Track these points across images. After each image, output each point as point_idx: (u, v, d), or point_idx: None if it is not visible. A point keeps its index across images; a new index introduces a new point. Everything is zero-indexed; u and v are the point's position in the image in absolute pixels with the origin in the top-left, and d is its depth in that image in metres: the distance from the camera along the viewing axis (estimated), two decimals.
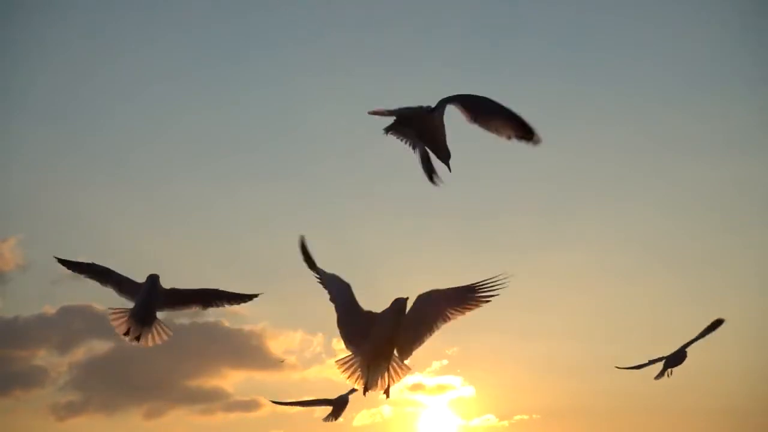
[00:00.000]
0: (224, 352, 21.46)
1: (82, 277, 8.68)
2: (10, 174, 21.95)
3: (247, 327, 21.95)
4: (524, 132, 6.44)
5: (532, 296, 21.21)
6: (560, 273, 22.25)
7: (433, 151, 6.90)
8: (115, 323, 8.53)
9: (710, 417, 19.64)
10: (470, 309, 6.90)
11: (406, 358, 6.93)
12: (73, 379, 21.08)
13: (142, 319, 8.45)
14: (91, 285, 8.61)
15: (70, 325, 21.44)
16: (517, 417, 20.60)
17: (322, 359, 21.78)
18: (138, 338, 8.49)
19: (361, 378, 6.91)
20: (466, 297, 6.87)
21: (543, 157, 22.85)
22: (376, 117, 6.80)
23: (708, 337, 10.78)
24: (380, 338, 6.82)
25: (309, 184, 22.26)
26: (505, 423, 20.31)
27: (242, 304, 8.68)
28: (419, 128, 6.79)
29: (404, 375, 6.98)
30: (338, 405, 11.41)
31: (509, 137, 6.51)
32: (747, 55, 21.35)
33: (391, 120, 6.77)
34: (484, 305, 6.91)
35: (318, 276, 7.22)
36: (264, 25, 23.83)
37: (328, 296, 7.14)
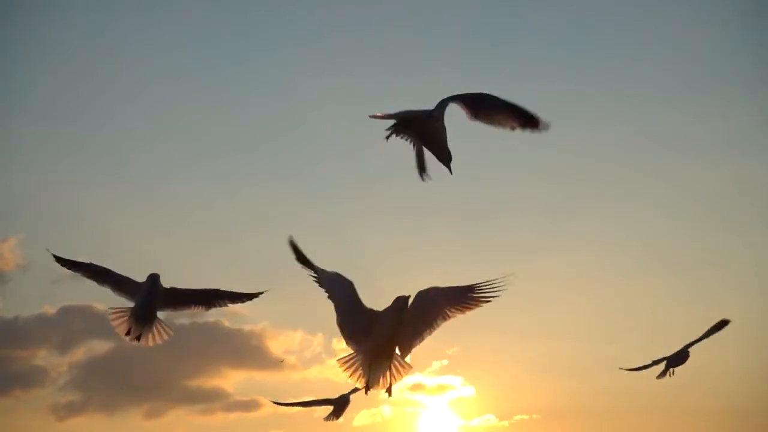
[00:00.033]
0: (224, 352, 21.48)
1: (79, 276, 8.65)
2: (10, 174, 21.98)
3: (247, 327, 21.97)
4: (527, 121, 6.46)
5: (532, 296, 21.21)
6: (560, 273, 22.27)
7: (434, 154, 6.90)
8: (115, 323, 8.52)
9: (710, 417, 19.65)
10: (470, 309, 6.89)
11: (406, 355, 6.93)
12: (73, 379, 21.10)
13: (142, 318, 8.44)
14: (91, 285, 8.60)
15: (70, 325, 21.47)
16: (517, 417, 20.61)
17: (322, 359, 21.79)
18: (138, 338, 8.48)
19: (363, 377, 6.91)
20: (466, 297, 6.87)
21: (543, 157, 22.88)
22: (377, 118, 6.81)
23: (709, 337, 10.78)
24: (382, 337, 6.81)
25: (309, 184, 22.28)
26: (505, 423, 20.33)
27: (242, 304, 8.67)
28: (420, 131, 6.79)
29: (406, 373, 6.98)
30: (339, 404, 11.41)
31: (513, 128, 6.52)
32: (747, 55, 21.37)
33: (391, 124, 6.78)
34: (484, 305, 6.91)
35: (315, 275, 7.21)
36: (264, 25, 23.84)
37: (326, 295, 7.14)
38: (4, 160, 21.93)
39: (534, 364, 21.25)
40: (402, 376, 6.98)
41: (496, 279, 6.83)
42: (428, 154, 6.94)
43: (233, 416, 20.82)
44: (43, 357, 21.55)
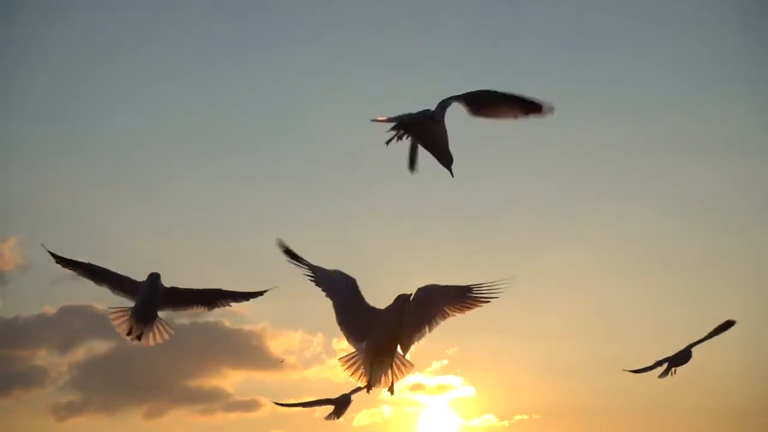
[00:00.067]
0: (224, 352, 21.48)
1: (79, 276, 8.63)
2: (10, 174, 21.98)
3: (247, 327, 21.97)
4: (529, 108, 6.46)
5: (532, 296, 21.20)
6: (560, 273, 22.27)
7: (435, 157, 6.90)
8: (115, 322, 8.51)
9: (710, 417, 19.65)
10: (469, 309, 6.89)
11: (406, 352, 6.93)
12: (73, 379, 21.10)
13: (143, 317, 8.44)
14: (91, 285, 8.57)
15: (70, 325, 21.46)
16: (517, 417, 20.61)
17: (322, 359, 21.79)
18: (139, 337, 8.48)
19: (365, 375, 6.92)
20: (465, 297, 6.87)
21: (543, 157, 22.90)
22: (377, 118, 6.80)
23: (713, 337, 10.75)
24: (383, 335, 6.81)
25: (309, 184, 22.28)
26: (505, 423, 20.33)
27: (242, 304, 8.66)
28: (420, 135, 6.79)
29: (407, 372, 6.98)
30: (341, 404, 11.40)
31: (516, 117, 6.52)
32: (747, 55, 21.37)
33: (392, 129, 6.78)
34: (484, 305, 6.90)
35: (310, 274, 7.20)
36: (264, 25, 23.84)
37: (324, 294, 7.14)
38: (4, 160, 21.95)
39: (534, 364, 21.27)
40: (404, 375, 6.98)
41: (496, 281, 6.83)
42: (427, 155, 6.94)
43: (233, 416, 20.84)
44: (43, 357, 21.57)
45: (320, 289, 7.15)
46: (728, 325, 10.64)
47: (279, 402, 12.15)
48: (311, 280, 7.19)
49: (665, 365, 11.11)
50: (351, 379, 6.99)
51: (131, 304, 8.48)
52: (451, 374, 20.48)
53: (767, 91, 21.53)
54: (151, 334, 8.51)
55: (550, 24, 22.71)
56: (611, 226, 22.79)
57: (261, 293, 8.58)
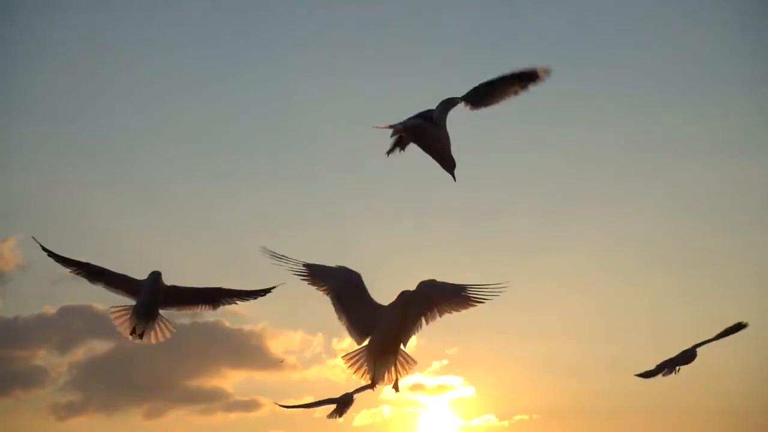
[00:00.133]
0: (224, 352, 21.47)
1: (71, 272, 8.59)
2: (10, 174, 21.98)
3: (247, 327, 21.96)
4: (525, 79, 6.48)
5: (532, 296, 21.23)
6: (560, 273, 22.27)
7: (438, 161, 6.92)
8: (117, 321, 8.51)
9: (710, 417, 19.65)
10: (464, 308, 6.90)
11: (404, 346, 6.93)
12: (73, 379, 21.09)
13: (144, 316, 8.44)
14: (92, 285, 8.58)
15: (70, 325, 21.45)
16: (517, 417, 20.61)
17: (322, 359, 21.79)
18: (141, 336, 8.48)
19: (368, 373, 6.91)
20: (461, 296, 6.87)
21: (543, 157, 22.91)
22: (377, 117, 6.82)
23: (721, 338, 10.71)
24: (387, 333, 6.81)
25: (309, 184, 22.28)
26: (505, 423, 20.32)
27: (243, 304, 8.64)
28: (422, 141, 6.81)
29: (411, 368, 6.98)
30: (343, 403, 11.40)
31: (516, 93, 6.55)
32: (747, 55, 21.38)
33: (392, 140, 6.80)
34: (484, 305, 6.91)
35: (303, 272, 7.18)
36: (264, 25, 23.85)
37: (325, 288, 7.12)
38: (4, 160, 21.95)
39: (534, 364, 21.26)
40: (407, 372, 6.99)
41: (491, 284, 6.82)
42: (426, 155, 6.95)
43: (233, 416, 20.83)
44: (43, 357, 21.57)
45: (315, 287, 7.15)
46: (739, 327, 10.58)
47: (282, 404, 12.15)
48: (304, 279, 7.19)
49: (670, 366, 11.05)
50: (354, 377, 6.99)
51: (132, 302, 8.48)
52: (451, 374, 20.49)
53: (767, 91, 21.55)
54: (152, 333, 8.50)
55: (550, 24, 22.72)
56: (611, 226, 22.82)
57: (269, 290, 8.51)
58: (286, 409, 12.04)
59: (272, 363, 21.35)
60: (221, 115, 23.91)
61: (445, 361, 20.76)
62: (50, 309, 21.68)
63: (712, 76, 23.02)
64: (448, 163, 6.91)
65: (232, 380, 21.76)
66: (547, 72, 6.56)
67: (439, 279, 6.90)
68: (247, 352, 21.47)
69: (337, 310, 7.00)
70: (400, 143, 6.89)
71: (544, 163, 22.79)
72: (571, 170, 22.87)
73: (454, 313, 6.87)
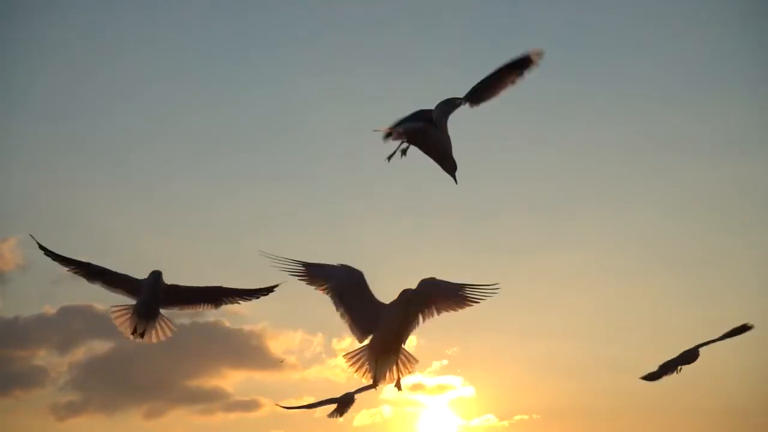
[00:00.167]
0: (224, 352, 21.48)
1: (69, 271, 8.57)
2: (10, 174, 21.98)
3: (247, 327, 21.97)
4: (520, 67, 6.49)
5: (532, 296, 21.28)
6: (560, 273, 22.28)
7: (439, 164, 6.92)
8: (118, 321, 8.51)
9: (710, 417, 19.65)
10: (461, 308, 6.89)
11: (403, 344, 6.93)
12: (73, 379, 21.09)
13: (145, 315, 8.44)
14: (92, 285, 8.57)
15: (70, 325, 21.46)
16: (517, 417, 20.61)
17: (322, 359, 21.79)
18: (142, 335, 8.48)
19: (370, 372, 6.91)
20: (458, 295, 6.86)
21: (543, 157, 22.92)
22: (377, 117, 6.82)
23: (725, 339, 10.69)
24: (389, 331, 6.80)
25: (309, 184, 22.29)
26: (505, 423, 20.32)
27: (242, 303, 8.62)
28: (422, 143, 6.81)
29: (413, 367, 6.98)
30: (344, 402, 11.40)
31: (514, 82, 6.57)
32: (747, 55, 21.38)
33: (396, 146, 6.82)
34: (484, 305, 6.91)
35: (301, 273, 7.18)
36: (264, 25, 23.86)
37: (325, 287, 7.12)
38: (4, 160, 21.96)
39: (534, 364, 21.26)
40: (409, 371, 6.99)
41: (487, 284, 6.83)
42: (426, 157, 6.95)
43: (233, 416, 20.84)
44: (43, 357, 21.57)
45: (315, 287, 7.14)
46: (744, 329, 10.55)
47: (283, 405, 12.15)
48: (302, 279, 7.19)
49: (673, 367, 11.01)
50: (356, 375, 6.98)
51: (132, 302, 8.48)
52: (451, 374, 20.49)
53: (767, 91, 21.55)
54: (153, 332, 8.49)
55: (550, 24, 22.70)
56: (611, 226, 22.82)
57: (271, 290, 8.45)
58: (286, 409, 12.04)
59: (272, 363, 21.37)
60: (221, 115, 23.94)
61: (445, 361, 20.77)
62: (50, 309, 21.71)
63: (712, 76, 23.06)
64: (449, 165, 6.91)
65: (232, 380, 21.79)
66: (540, 54, 6.60)
67: (439, 278, 6.90)
68: (247, 352, 21.50)
69: (339, 309, 7.00)
70: (402, 149, 6.90)
71: (544, 163, 22.82)
72: (571, 170, 22.90)
73: (453, 313, 6.88)
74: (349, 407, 11.42)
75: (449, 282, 6.86)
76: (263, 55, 24.06)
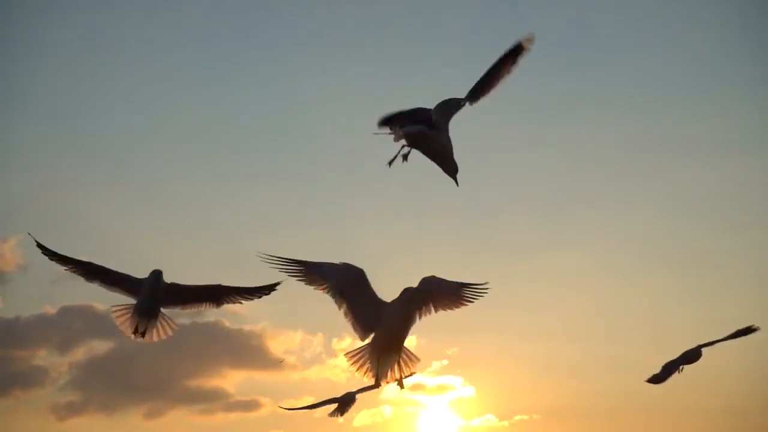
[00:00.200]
0: (224, 352, 21.48)
1: (67, 270, 8.56)
2: (10, 174, 21.98)
3: (247, 327, 21.97)
4: (513, 56, 6.65)
5: (532, 296, 21.29)
6: (560, 273, 22.27)
7: (440, 166, 6.92)
8: (119, 321, 8.51)
9: (710, 417, 19.65)
10: (457, 307, 6.90)
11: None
12: (73, 379, 21.10)
13: (146, 314, 8.43)
14: (92, 285, 8.57)
15: (70, 325, 21.45)
16: (517, 417, 20.60)
17: (322, 359, 21.80)
18: (143, 334, 8.48)
19: (371, 370, 6.90)
20: (456, 294, 6.87)
21: (543, 157, 22.92)
22: (378, 117, 6.82)
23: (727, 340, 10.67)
24: (390, 330, 6.80)
25: (309, 184, 22.27)
26: (505, 423, 20.32)
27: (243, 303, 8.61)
28: (422, 146, 6.82)
29: (414, 366, 6.99)
30: (345, 402, 11.40)
31: (509, 71, 6.66)
32: (747, 55, 21.38)
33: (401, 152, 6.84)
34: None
35: (299, 274, 7.18)
36: (264, 25, 23.86)
37: (325, 286, 7.11)
38: (4, 160, 21.95)
39: (534, 364, 21.26)
40: (411, 369, 6.99)
41: (479, 283, 6.84)
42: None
43: (233, 416, 20.85)
44: (43, 357, 21.57)
45: (314, 287, 7.14)
46: (749, 330, 10.52)
47: (284, 407, 12.14)
48: (300, 280, 7.18)
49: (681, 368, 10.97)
50: (357, 375, 6.98)
51: (132, 301, 8.48)
52: (451, 374, 20.48)
53: (767, 91, 21.55)
54: (155, 330, 8.49)
55: (550, 24, 22.68)
56: (611, 226, 22.82)
57: (273, 288, 8.43)
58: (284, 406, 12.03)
59: (272, 363, 21.37)
60: (221, 115, 23.94)
61: (445, 361, 20.77)
62: (50, 309, 21.71)
63: (712, 76, 23.06)
64: (450, 168, 6.92)
65: (232, 380, 21.80)
66: (531, 40, 6.66)
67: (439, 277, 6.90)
68: (247, 352, 21.50)
69: (341, 307, 6.99)
70: (404, 154, 6.91)
71: (544, 163, 22.82)
72: (571, 170, 22.90)
73: (453, 313, 6.89)
74: (350, 407, 11.42)
75: (448, 280, 6.87)
76: (263, 55, 24.09)
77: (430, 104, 7.00)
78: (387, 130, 6.80)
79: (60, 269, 8.58)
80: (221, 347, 21.38)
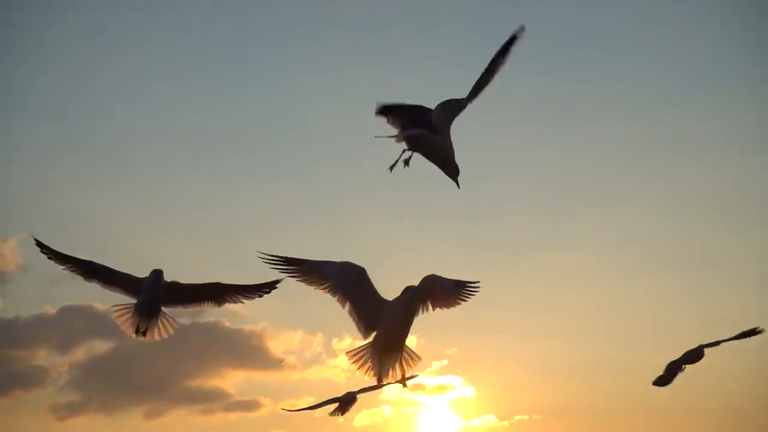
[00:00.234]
0: (224, 352, 21.47)
1: (66, 269, 8.55)
2: (10, 174, 21.95)
3: (247, 327, 21.96)
4: (507, 49, 6.79)
5: (532, 296, 21.27)
6: (560, 273, 22.24)
7: (441, 169, 6.94)
8: (120, 320, 8.51)
9: (710, 417, 19.64)
10: (452, 306, 6.92)
11: None
12: (73, 379, 21.09)
13: (147, 313, 8.43)
14: (92, 285, 8.56)
15: (70, 325, 21.44)
16: (517, 417, 20.59)
17: (322, 359, 21.78)
18: (145, 333, 8.48)
19: (373, 369, 6.91)
20: (454, 293, 6.88)
21: (543, 157, 22.90)
22: (377, 117, 6.83)
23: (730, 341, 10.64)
24: (392, 329, 6.80)
25: (309, 184, 22.25)
26: (505, 423, 20.31)
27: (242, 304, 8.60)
28: (423, 149, 6.83)
29: (416, 364, 7.00)
30: (346, 401, 11.41)
31: (503, 63, 6.86)
32: (747, 55, 21.37)
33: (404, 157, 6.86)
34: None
35: (298, 274, 7.17)
36: (264, 25, 23.85)
37: (327, 286, 7.11)
38: (4, 160, 21.93)
39: (534, 364, 21.23)
40: (412, 368, 7.00)
41: (471, 281, 6.85)
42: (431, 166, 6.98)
43: (233, 416, 20.83)
44: (43, 357, 21.56)
45: (314, 287, 7.13)
46: (753, 332, 10.48)
47: (288, 409, 12.14)
48: (302, 281, 7.18)
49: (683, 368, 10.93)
50: (358, 373, 6.99)
51: (133, 301, 8.48)
52: (451, 374, 20.45)
53: (767, 91, 21.55)
54: (156, 329, 8.49)
55: (550, 24, 22.66)
56: (611, 226, 22.80)
57: (274, 286, 8.34)
58: (285, 406, 12.02)
59: (272, 363, 21.36)
60: (221, 115, 23.92)
61: (445, 361, 20.74)
62: (50, 309, 21.70)
63: (712, 76, 23.04)
64: (451, 170, 6.93)
65: (232, 380, 21.79)
66: (522, 30, 6.75)
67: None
68: (247, 352, 21.49)
69: (345, 305, 6.97)
70: (405, 159, 6.92)
71: (544, 163, 22.80)
72: (571, 170, 22.87)
73: (453, 313, 6.91)
74: (351, 406, 11.43)
75: (447, 279, 6.88)
76: (263, 55, 24.08)
77: (430, 104, 7.00)
78: (384, 119, 6.82)
79: (60, 269, 8.58)
80: (221, 347, 21.39)
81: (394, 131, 6.79)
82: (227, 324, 21.43)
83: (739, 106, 22.58)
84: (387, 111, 6.82)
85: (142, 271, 8.48)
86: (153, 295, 8.35)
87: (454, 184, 6.94)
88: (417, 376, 7.10)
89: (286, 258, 7.13)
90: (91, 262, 8.45)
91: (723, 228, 22.31)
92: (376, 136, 6.73)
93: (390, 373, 6.95)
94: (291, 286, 7.50)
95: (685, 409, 19.40)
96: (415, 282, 6.86)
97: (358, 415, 19.03)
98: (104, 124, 23.48)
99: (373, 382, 7.01)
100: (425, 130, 6.72)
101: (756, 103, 22.04)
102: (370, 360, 6.91)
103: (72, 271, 8.49)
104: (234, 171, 23.13)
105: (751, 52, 20.89)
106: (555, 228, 22.65)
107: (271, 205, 22.70)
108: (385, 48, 22.76)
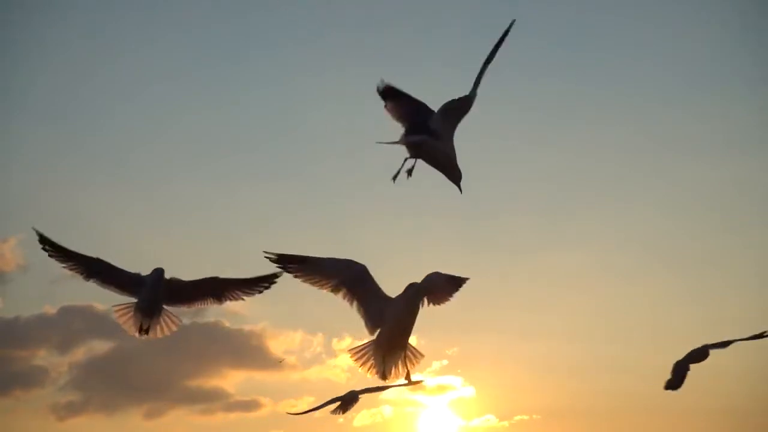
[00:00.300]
0: (224, 352, 21.48)
1: (67, 268, 8.51)
2: (10, 174, 21.97)
3: (247, 327, 21.96)
4: (503, 40, 6.82)
5: (532, 296, 21.28)
6: (560, 273, 22.25)
7: (444, 173, 6.95)
8: (121, 320, 8.51)
9: (710, 417, 19.65)
10: (444, 302, 6.95)
11: None
12: (73, 379, 21.10)
13: (149, 312, 8.43)
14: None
15: (70, 325, 21.46)
16: (517, 417, 20.60)
17: (322, 359, 21.80)
18: (147, 331, 8.48)
19: (376, 366, 6.91)
20: (446, 289, 6.90)
21: (543, 157, 22.91)
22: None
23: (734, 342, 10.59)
24: (396, 326, 6.80)
25: (309, 184, 22.26)
26: (505, 423, 20.31)
27: (243, 304, 8.59)
28: (425, 155, 6.84)
29: (418, 362, 7.02)
30: (348, 400, 11.41)
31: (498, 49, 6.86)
32: (747, 55, 21.38)
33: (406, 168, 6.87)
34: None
35: (298, 273, 7.17)
36: (264, 25, 23.86)
37: (331, 284, 7.10)
38: (4, 160, 21.95)
39: (534, 364, 21.24)
40: (414, 365, 7.01)
41: (463, 278, 6.86)
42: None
43: (233, 416, 20.85)
44: (43, 357, 21.57)
45: (318, 286, 7.11)
46: (762, 336, 10.41)
47: (293, 412, 12.14)
48: (305, 281, 7.16)
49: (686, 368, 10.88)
50: (361, 370, 6.99)
51: (133, 300, 8.48)
52: (452, 374, 20.46)
53: (767, 91, 21.56)
54: (158, 327, 8.49)
55: (550, 24, 22.67)
56: (611, 226, 22.80)
57: (273, 280, 8.28)
58: (285, 408, 12.04)
59: (272, 363, 21.37)
60: (221, 115, 23.93)
61: (445, 361, 20.75)
62: (50, 309, 21.72)
63: (712, 76, 23.05)
64: (454, 175, 6.94)
65: (232, 380, 21.80)
66: (512, 22, 6.86)
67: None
68: (247, 352, 21.50)
69: (352, 303, 6.95)
70: (408, 170, 6.93)
71: (544, 163, 22.81)
72: (571, 170, 22.88)
73: (453, 313, 6.94)
74: (353, 405, 11.43)
75: (446, 275, 6.89)
76: (263, 55, 24.09)
77: (430, 104, 7.00)
78: (383, 102, 6.84)
79: (60, 269, 8.57)
80: (221, 347, 21.39)
81: (394, 133, 6.80)
82: (227, 324, 21.45)
83: (739, 106, 22.60)
84: (389, 94, 6.81)
85: (142, 271, 8.48)
86: (155, 293, 8.35)
87: (458, 189, 6.95)
88: (423, 381, 7.11)
89: (289, 256, 7.10)
90: (99, 261, 8.39)
91: (723, 228, 22.33)
92: (377, 142, 6.75)
93: (393, 370, 6.95)
94: (291, 286, 7.50)
95: (685, 409, 19.41)
96: (418, 280, 6.87)
97: (358, 415, 19.05)
98: (104, 124, 23.50)
99: (376, 379, 7.00)
100: (426, 137, 6.73)
101: (756, 103, 22.06)
102: (373, 358, 6.91)
103: (73, 269, 8.46)
104: (234, 171, 23.15)
105: (751, 52, 20.91)
106: (555, 228, 22.67)
107: (271, 205, 22.72)
108: (385, 48, 22.76)
